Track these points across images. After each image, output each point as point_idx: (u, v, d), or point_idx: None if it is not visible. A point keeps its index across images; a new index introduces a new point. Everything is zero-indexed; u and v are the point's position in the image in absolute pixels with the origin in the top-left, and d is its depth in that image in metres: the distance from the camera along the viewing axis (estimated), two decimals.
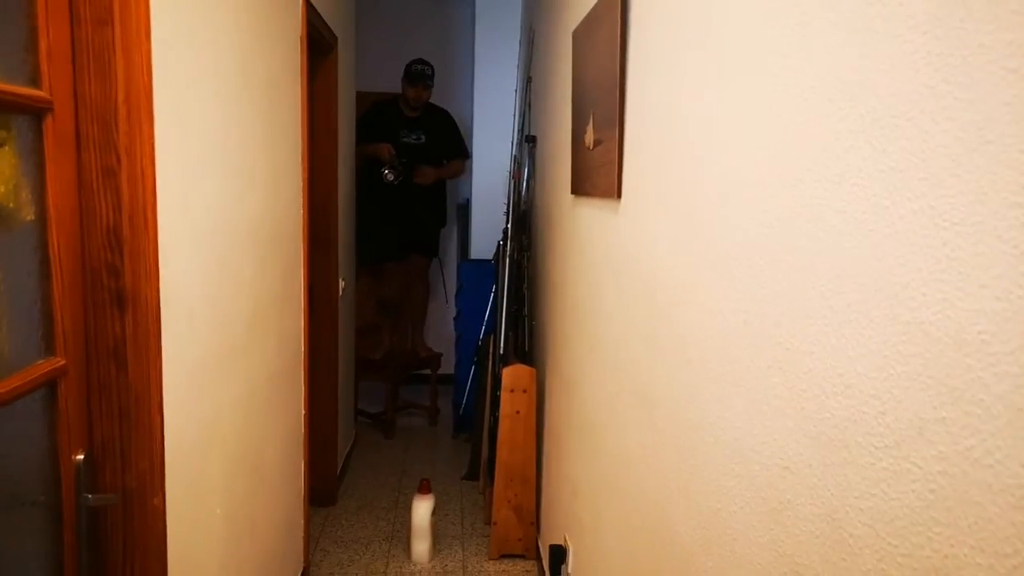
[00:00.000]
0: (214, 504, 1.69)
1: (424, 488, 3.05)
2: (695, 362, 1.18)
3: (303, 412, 2.69)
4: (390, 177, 4.22)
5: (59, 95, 1.18)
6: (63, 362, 1.19)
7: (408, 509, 3.33)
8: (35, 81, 1.14)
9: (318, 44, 3.05)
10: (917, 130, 0.63)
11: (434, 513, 3.03)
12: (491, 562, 3.03)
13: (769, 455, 0.90)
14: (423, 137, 4.40)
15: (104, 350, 1.27)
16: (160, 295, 1.33)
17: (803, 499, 0.82)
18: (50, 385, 1.17)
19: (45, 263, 1.16)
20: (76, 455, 1.22)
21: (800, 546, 0.82)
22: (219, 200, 1.67)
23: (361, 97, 4.30)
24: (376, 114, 4.40)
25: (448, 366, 4.76)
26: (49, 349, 1.18)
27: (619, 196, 1.69)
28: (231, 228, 1.76)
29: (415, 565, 3.00)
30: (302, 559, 2.74)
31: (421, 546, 3.02)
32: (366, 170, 4.29)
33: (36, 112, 1.14)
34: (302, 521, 2.72)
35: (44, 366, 1.15)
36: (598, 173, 1.88)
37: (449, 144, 4.49)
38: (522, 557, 3.04)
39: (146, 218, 1.28)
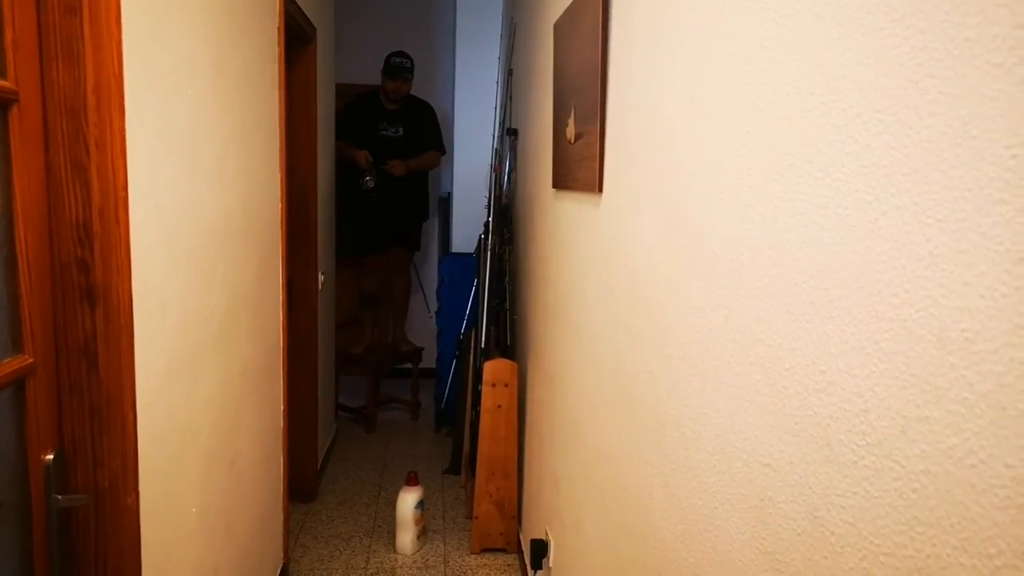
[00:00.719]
0: (190, 502, 1.66)
1: (412, 480, 3.04)
2: (677, 358, 1.17)
3: (282, 407, 2.66)
4: (370, 185, 4.17)
5: (25, 86, 1.15)
6: (31, 360, 1.16)
7: (390, 503, 3.32)
8: (0, 71, 1.11)
9: (297, 35, 3.01)
10: (901, 125, 0.62)
11: (421, 505, 3.02)
12: (472, 556, 3.02)
13: (751, 452, 0.89)
14: (401, 130, 4.36)
15: (74, 347, 1.24)
16: (132, 291, 1.30)
17: (785, 496, 0.81)
18: (18, 384, 1.14)
19: (11, 259, 1.13)
20: (46, 455, 1.19)
21: (781, 543, 0.82)
22: (192, 193, 1.64)
23: (342, 89, 4.26)
24: (356, 107, 4.35)
25: (430, 360, 4.74)
26: (16, 346, 1.15)
27: (600, 190, 1.68)
28: (205, 222, 1.73)
29: (398, 555, 2.99)
30: (282, 555, 2.72)
31: (405, 537, 3.01)
32: (346, 169, 4.25)
33: (1, 103, 1.11)
34: (281, 517, 2.69)
35: (11, 364, 1.12)
36: (580, 167, 1.87)
37: (425, 136, 4.44)
38: (503, 551, 3.04)
39: (117, 212, 1.25)
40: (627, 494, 1.45)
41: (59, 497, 1.17)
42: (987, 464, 0.53)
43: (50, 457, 1.19)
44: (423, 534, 3.10)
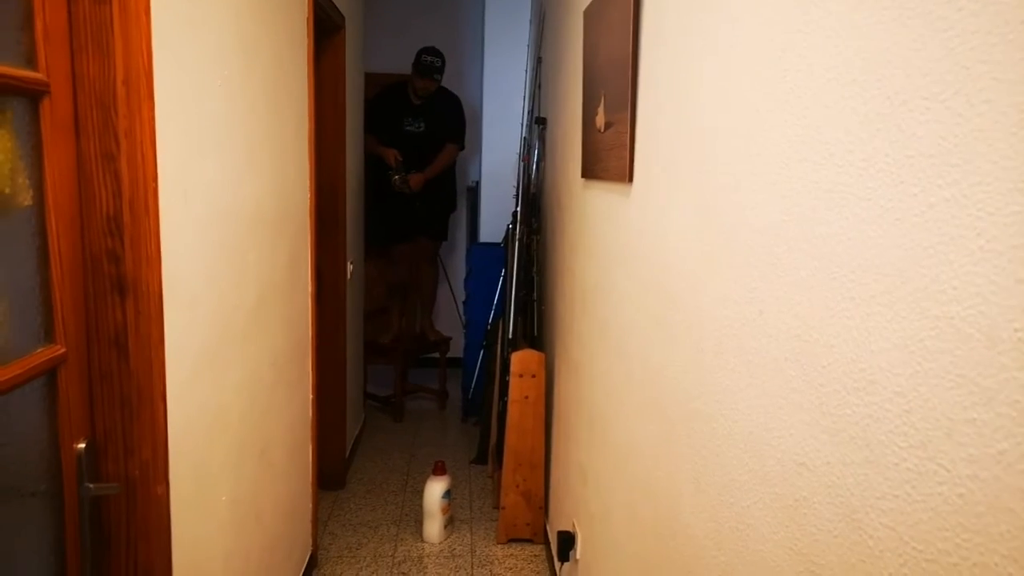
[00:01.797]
0: (220, 491, 1.68)
1: (439, 469, 3.05)
2: (708, 352, 1.15)
3: (311, 396, 2.68)
4: (399, 185, 4.18)
5: (56, 77, 1.15)
6: (63, 350, 1.17)
7: (417, 492, 3.34)
8: (31, 62, 1.11)
9: (325, 24, 3.01)
10: (950, 113, 0.59)
11: (448, 495, 3.03)
12: (499, 546, 3.02)
13: (785, 450, 0.87)
14: (422, 125, 4.33)
15: (105, 338, 1.25)
16: (162, 281, 1.31)
17: (820, 497, 0.79)
18: (50, 373, 1.16)
19: (43, 249, 1.14)
20: (77, 444, 1.20)
21: (817, 545, 0.79)
22: (222, 184, 1.65)
23: (370, 78, 4.26)
24: (382, 100, 4.34)
25: (457, 349, 4.75)
26: (48, 337, 1.16)
27: (631, 180, 1.65)
28: (235, 212, 1.74)
29: (425, 544, 3.00)
30: (310, 543, 2.74)
31: (432, 526, 3.03)
32: (374, 160, 4.25)
33: (33, 95, 1.11)
34: (310, 505, 2.72)
35: (44, 354, 1.13)
36: (609, 156, 1.84)
37: (448, 129, 4.38)
38: (530, 542, 3.04)
39: (147, 203, 1.25)
40: (656, 488, 1.43)
41: (91, 486, 1.18)
42: None
43: (82, 446, 1.20)
44: (450, 523, 3.11)
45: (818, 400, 0.79)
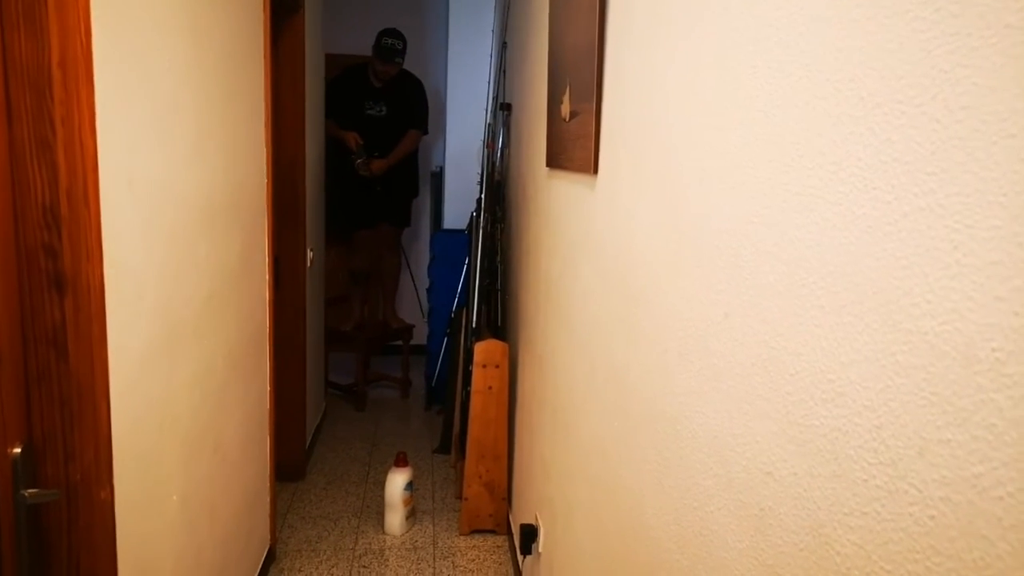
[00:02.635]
0: (170, 490, 1.62)
1: (400, 461, 3.01)
2: (672, 352, 1.12)
3: (268, 388, 2.61)
4: (362, 170, 4.08)
5: None
6: None
7: (379, 483, 3.29)
8: None
9: (283, 4, 2.91)
10: (927, 118, 0.57)
11: (410, 486, 3.00)
12: (462, 537, 3.00)
13: (751, 457, 0.85)
14: (384, 109, 4.24)
15: (42, 337, 1.18)
16: (104, 276, 1.24)
17: (786, 508, 0.77)
18: None
19: None
20: (12, 449, 1.13)
21: (783, 557, 0.77)
22: (170, 171, 1.57)
23: (331, 60, 4.15)
24: (341, 84, 4.23)
25: (420, 337, 4.70)
26: None
27: (596, 171, 1.62)
28: (184, 201, 1.66)
29: (387, 536, 2.97)
30: (268, 537, 2.69)
31: (394, 519, 3.00)
32: (334, 146, 4.15)
33: None
34: (268, 498, 2.66)
35: None
36: (574, 146, 1.80)
37: (410, 114, 4.30)
38: (493, 533, 3.02)
39: (86, 194, 1.18)
40: (619, 486, 1.41)
41: (26, 493, 1.12)
42: (1017, 498, 0.48)
43: (17, 451, 1.14)
44: (412, 515, 3.07)
45: (785, 409, 0.77)
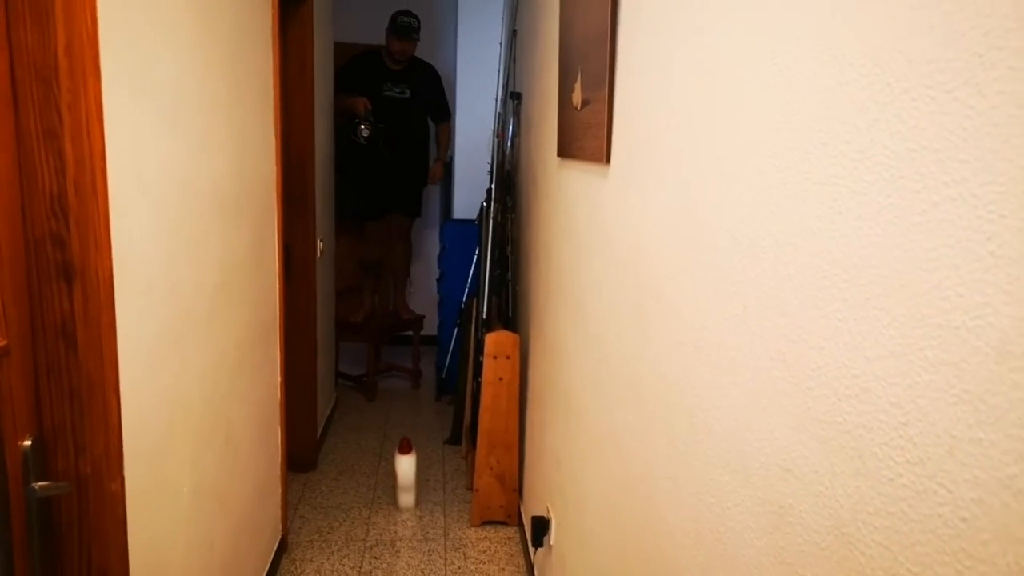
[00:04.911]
0: (181, 482, 1.61)
1: (404, 447, 3.03)
2: (688, 344, 1.10)
3: (279, 378, 2.61)
4: (364, 134, 4.05)
5: None
6: (4, 342, 1.10)
7: (390, 474, 3.30)
8: None
9: None
10: (959, 104, 0.54)
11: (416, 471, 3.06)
12: (473, 529, 3.00)
13: (769, 454, 0.83)
14: (408, 91, 4.23)
15: (51, 328, 1.17)
16: (113, 266, 1.23)
17: (807, 506, 0.75)
18: None
19: None
20: (22, 441, 1.13)
21: (803, 556, 0.76)
22: (178, 161, 1.56)
23: (340, 48, 4.12)
24: (357, 66, 4.22)
25: (431, 328, 4.69)
26: None
27: (608, 160, 1.60)
28: (192, 191, 1.65)
29: (398, 528, 2.97)
30: (280, 528, 2.69)
31: (408, 497, 3.10)
32: (344, 125, 4.14)
33: None
34: (279, 489, 2.66)
35: None
36: (586, 135, 1.78)
37: (435, 104, 4.33)
38: (504, 524, 3.01)
39: (94, 183, 1.17)
40: (632, 479, 1.40)
41: (36, 486, 1.11)
42: None
43: (28, 443, 1.13)
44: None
45: (806, 405, 0.75)
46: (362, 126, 4.04)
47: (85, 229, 1.17)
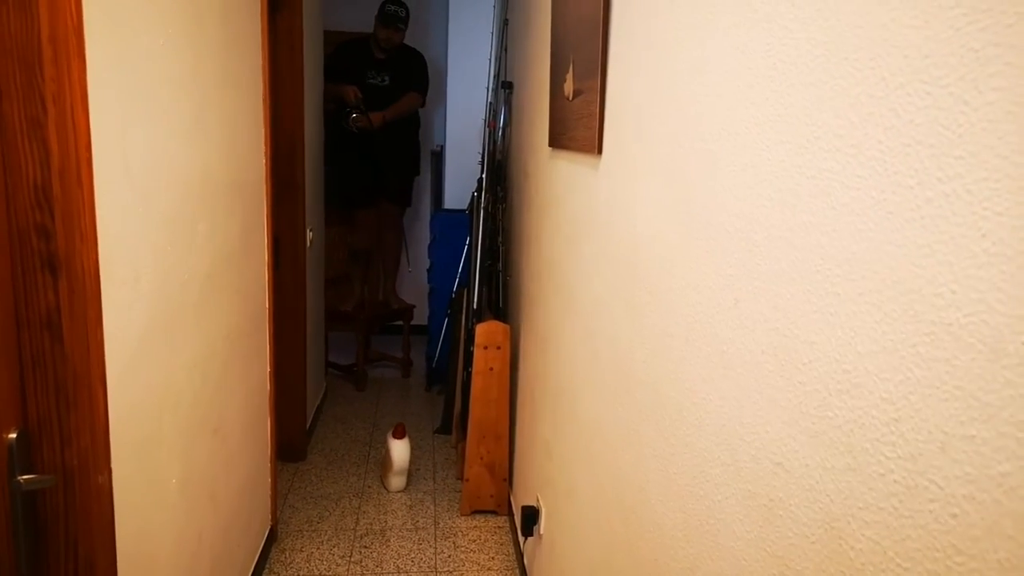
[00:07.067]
0: (169, 474, 1.60)
1: (399, 432, 3.07)
2: (679, 337, 1.10)
3: (268, 368, 2.60)
4: (358, 123, 4.03)
5: None
6: None
7: (380, 464, 3.29)
8: None
9: None
10: (954, 100, 0.54)
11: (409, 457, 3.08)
12: (463, 518, 3.00)
13: (760, 447, 0.83)
14: (387, 79, 4.21)
15: (36, 320, 1.16)
16: (99, 257, 1.22)
17: (797, 500, 0.75)
18: None
19: None
20: (7, 434, 1.12)
21: (793, 549, 0.76)
22: (167, 150, 1.54)
23: (330, 36, 4.09)
24: (344, 54, 4.19)
25: (421, 317, 4.68)
26: None
27: (600, 152, 1.59)
28: (180, 180, 1.63)
29: (388, 518, 2.97)
30: (269, 518, 2.69)
31: (399, 481, 3.15)
32: (334, 113, 4.11)
33: None
34: (269, 479, 2.66)
35: None
36: (577, 126, 1.77)
37: (410, 82, 4.27)
38: (494, 513, 3.02)
39: (79, 173, 1.16)
40: (623, 473, 1.40)
41: (22, 480, 1.10)
42: None
43: (12, 436, 1.12)
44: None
45: (797, 399, 0.75)
46: (354, 115, 4.02)
47: (70, 220, 1.15)
